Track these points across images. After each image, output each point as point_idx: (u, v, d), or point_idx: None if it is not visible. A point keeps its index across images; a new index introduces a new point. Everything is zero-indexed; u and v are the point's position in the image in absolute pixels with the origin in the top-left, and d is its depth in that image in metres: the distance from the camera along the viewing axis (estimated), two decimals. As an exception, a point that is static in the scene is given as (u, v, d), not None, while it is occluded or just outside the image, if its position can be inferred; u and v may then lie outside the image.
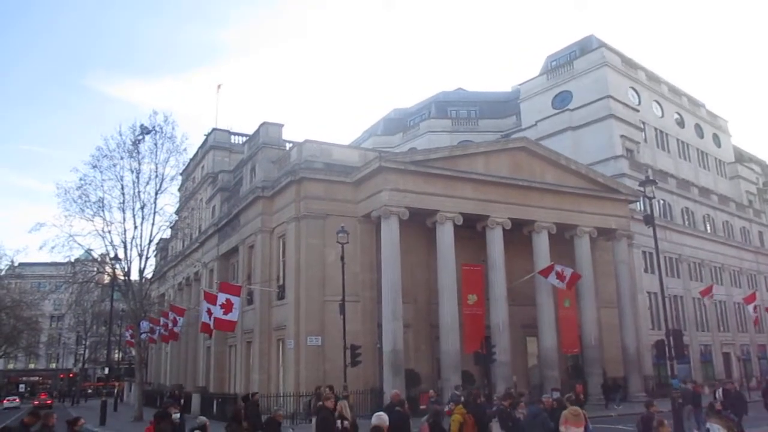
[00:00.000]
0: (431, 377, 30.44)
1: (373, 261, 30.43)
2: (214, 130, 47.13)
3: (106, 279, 38.99)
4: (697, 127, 60.77)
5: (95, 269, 35.65)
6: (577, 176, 35.74)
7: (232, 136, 47.11)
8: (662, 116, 55.87)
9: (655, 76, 57.40)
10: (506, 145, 35.17)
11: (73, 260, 35.37)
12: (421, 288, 31.61)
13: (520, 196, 32.94)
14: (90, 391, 73.46)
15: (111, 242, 31.86)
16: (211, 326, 29.94)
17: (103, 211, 31.38)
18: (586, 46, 54.01)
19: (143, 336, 38.18)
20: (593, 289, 35.06)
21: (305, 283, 29.54)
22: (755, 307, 44.98)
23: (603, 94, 48.57)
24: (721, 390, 22.68)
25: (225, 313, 28.65)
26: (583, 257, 34.98)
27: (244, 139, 43.40)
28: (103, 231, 31.47)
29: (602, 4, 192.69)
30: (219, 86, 50.09)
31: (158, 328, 40.60)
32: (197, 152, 48.83)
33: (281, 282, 32.21)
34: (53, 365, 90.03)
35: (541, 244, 33.34)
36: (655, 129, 54.13)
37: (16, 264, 58.28)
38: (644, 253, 43.07)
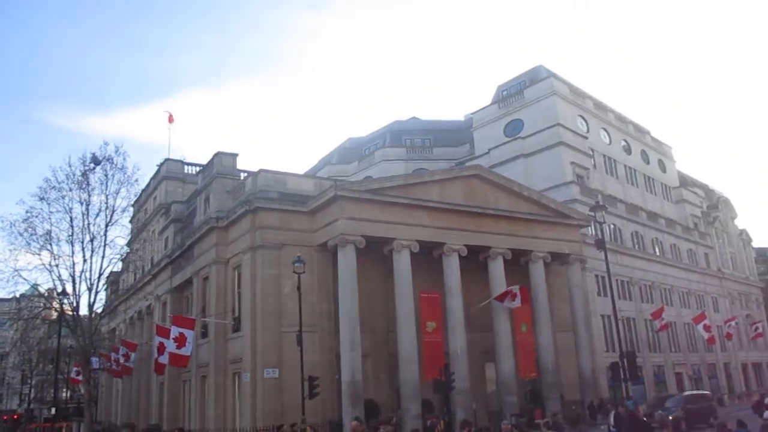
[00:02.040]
0: (391, 407, 30.20)
1: (330, 291, 30.23)
2: (166, 160, 46.37)
3: (54, 315, 37.67)
4: (643, 153, 62.82)
5: (42, 305, 34.34)
6: (530, 202, 36.38)
7: (186, 167, 46.41)
8: (610, 143, 57.58)
9: (602, 105, 59.28)
10: (460, 173, 35.65)
11: (18, 296, 34.11)
12: (379, 317, 31.48)
13: (475, 223, 33.32)
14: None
15: (59, 276, 30.81)
16: (165, 362, 29.25)
17: (50, 244, 30.36)
18: (535, 76, 55.51)
19: (99, 367, 36.99)
20: (549, 314, 35.50)
21: (261, 315, 29.10)
22: (706, 326, 46.31)
23: (553, 122, 49.83)
24: (612, 414, 22.43)
25: (178, 348, 28.11)
26: (538, 282, 35.46)
27: (198, 169, 42.82)
28: (50, 265, 30.43)
29: (549, 34, 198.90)
30: (170, 115, 49.02)
31: (110, 364, 39.38)
32: (149, 183, 47.96)
33: (237, 314, 31.65)
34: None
35: (497, 270, 33.69)
36: (604, 156, 55.72)
37: (-44, 301, 55.73)
38: (597, 276, 43.94)
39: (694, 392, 37.97)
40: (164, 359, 29.19)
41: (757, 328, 60.47)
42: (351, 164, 64.36)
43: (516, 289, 31.91)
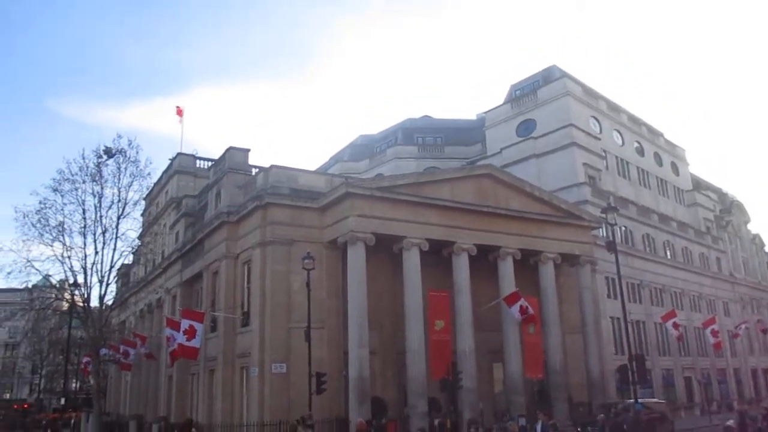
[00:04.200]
0: (398, 405, 30.22)
1: (339, 287, 30.25)
2: (178, 154, 46.59)
3: (65, 306, 37.96)
4: (656, 155, 62.39)
5: (53, 296, 34.60)
6: (541, 203, 36.23)
7: (198, 161, 46.61)
8: (623, 145, 57.24)
9: (616, 106, 58.91)
10: (472, 172, 35.54)
11: (30, 286, 34.41)
12: (387, 314, 31.47)
13: (485, 222, 33.22)
14: (44, 422, 70.84)
15: (71, 268, 31.05)
16: (175, 353, 29.43)
17: (63, 235, 30.61)
18: (548, 76, 55.25)
19: (108, 359, 37.44)
20: (558, 315, 35.37)
21: (270, 310, 29.19)
22: (713, 331, 45.97)
23: (566, 123, 49.59)
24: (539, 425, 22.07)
25: (188, 340, 28.31)
26: (548, 283, 35.33)
27: (210, 163, 42.99)
28: (62, 256, 30.68)
29: (563, 34, 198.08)
30: (178, 109, 49.00)
31: (119, 356, 39.70)
32: (161, 177, 48.22)
33: (246, 309, 31.77)
34: (7, 395, 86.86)
35: (507, 270, 33.59)
36: (616, 157, 55.38)
37: (-31, 290, 56.24)
38: (607, 278, 43.72)
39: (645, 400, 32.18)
40: (174, 350, 29.39)
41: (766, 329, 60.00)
42: (362, 161, 64.36)
43: (525, 303, 31.62)
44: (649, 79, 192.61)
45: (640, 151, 59.79)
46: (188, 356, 29.76)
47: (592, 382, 36.05)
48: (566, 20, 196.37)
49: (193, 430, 24.04)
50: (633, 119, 60.90)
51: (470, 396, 29.86)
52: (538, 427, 22.08)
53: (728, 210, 71.75)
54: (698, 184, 70.73)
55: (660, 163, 62.53)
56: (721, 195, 75.94)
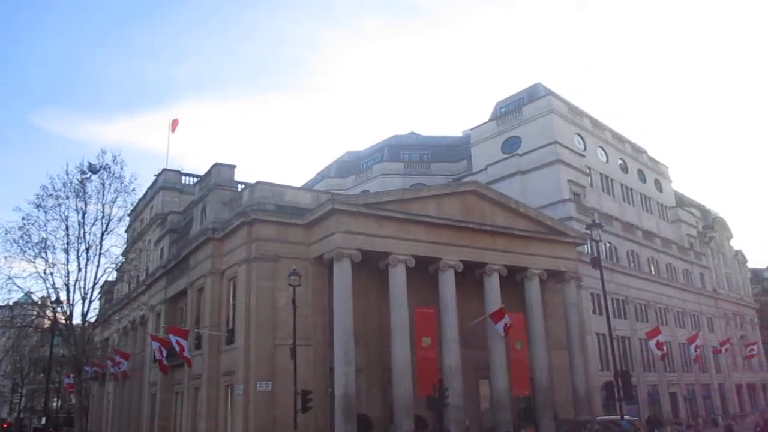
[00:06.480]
0: (383, 422, 30.03)
1: (325, 304, 30.15)
2: (164, 170, 46.44)
3: (47, 323, 37.52)
4: (640, 172, 63.04)
5: (35, 313, 34.26)
6: (526, 219, 36.43)
7: (183, 177, 46.47)
8: (607, 162, 57.81)
9: (600, 123, 59.53)
10: (457, 189, 35.70)
11: (11, 303, 34.02)
12: (373, 331, 31.36)
13: (471, 238, 33.33)
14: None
15: (53, 285, 30.80)
16: (164, 363, 29.80)
17: (45, 252, 30.40)
18: (533, 94, 55.78)
19: (90, 377, 37.15)
20: (544, 331, 35.43)
21: (255, 327, 28.99)
22: (696, 347, 46.46)
23: (550, 140, 50.02)
24: None
25: (181, 353, 28.80)
26: (533, 299, 35.43)
27: (195, 179, 42.89)
28: (45, 273, 30.44)
29: (549, 52, 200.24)
30: (173, 121, 48.73)
31: (107, 369, 39.44)
32: (147, 192, 47.98)
33: (231, 326, 31.54)
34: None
35: (492, 286, 33.67)
36: (600, 174, 55.90)
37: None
38: (592, 294, 43.92)
39: (610, 417, 31.92)
40: (164, 360, 29.71)
41: (752, 350, 60.36)
42: (349, 178, 64.42)
43: (509, 321, 31.95)
44: (632, 97, 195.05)
45: (624, 168, 60.42)
46: (187, 362, 30.29)
47: (577, 399, 36.07)
48: (552, 39, 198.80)
49: None
50: (617, 136, 61.57)
51: (456, 413, 29.75)
52: None
53: (711, 226, 72.49)
54: (681, 201, 71.47)
55: (643, 179, 63.18)
56: (704, 211, 76.76)
